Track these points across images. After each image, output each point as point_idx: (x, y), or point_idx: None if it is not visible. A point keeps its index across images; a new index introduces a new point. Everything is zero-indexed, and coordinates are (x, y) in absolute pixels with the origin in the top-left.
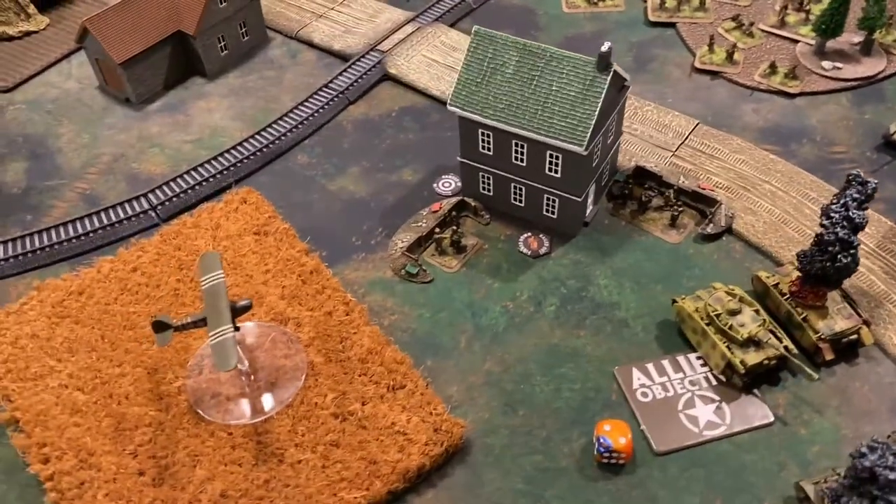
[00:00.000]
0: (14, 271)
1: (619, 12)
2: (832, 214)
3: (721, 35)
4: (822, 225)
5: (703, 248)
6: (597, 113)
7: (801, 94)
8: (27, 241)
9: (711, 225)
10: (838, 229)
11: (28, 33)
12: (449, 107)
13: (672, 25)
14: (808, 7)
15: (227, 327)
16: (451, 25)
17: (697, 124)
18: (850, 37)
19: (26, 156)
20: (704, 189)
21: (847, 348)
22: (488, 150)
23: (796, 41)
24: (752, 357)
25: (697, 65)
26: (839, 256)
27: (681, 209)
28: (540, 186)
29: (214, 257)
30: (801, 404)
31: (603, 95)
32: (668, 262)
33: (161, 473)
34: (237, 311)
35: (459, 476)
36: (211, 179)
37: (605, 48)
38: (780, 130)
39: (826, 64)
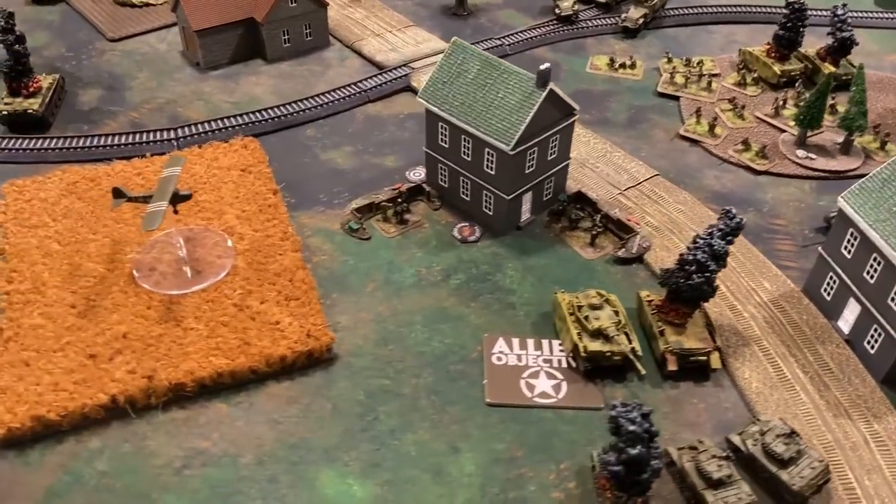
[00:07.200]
0: (56, 160)
1: (635, 80)
2: (698, 240)
3: (717, 114)
4: (687, 248)
5: (612, 269)
6: (528, 120)
7: (767, 172)
8: (76, 140)
9: (623, 250)
10: (698, 252)
11: (147, 4)
12: (418, 98)
13: (676, 98)
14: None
15: (163, 203)
16: None
17: (655, 175)
18: (835, 136)
19: (104, 87)
20: (630, 220)
21: (698, 370)
22: (445, 142)
23: (783, 130)
24: (596, 346)
25: (682, 132)
26: (693, 276)
27: (600, 230)
28: (479, 182)
29: (179, 159)
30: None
31: (536, 107)
32: (574, 272)
33: (87, 311)
34: (178, 197)
35: (316, 378)
36: (229, 129)
37: (543, 67)
38: (731, 197)
39: (800, 152)
